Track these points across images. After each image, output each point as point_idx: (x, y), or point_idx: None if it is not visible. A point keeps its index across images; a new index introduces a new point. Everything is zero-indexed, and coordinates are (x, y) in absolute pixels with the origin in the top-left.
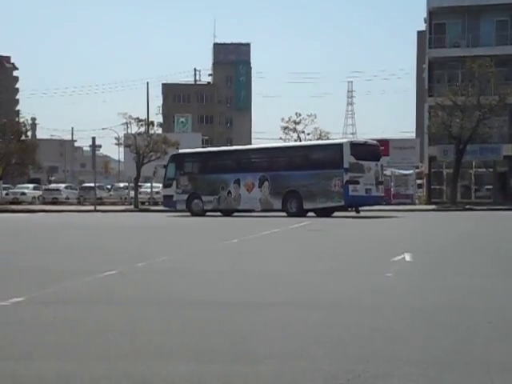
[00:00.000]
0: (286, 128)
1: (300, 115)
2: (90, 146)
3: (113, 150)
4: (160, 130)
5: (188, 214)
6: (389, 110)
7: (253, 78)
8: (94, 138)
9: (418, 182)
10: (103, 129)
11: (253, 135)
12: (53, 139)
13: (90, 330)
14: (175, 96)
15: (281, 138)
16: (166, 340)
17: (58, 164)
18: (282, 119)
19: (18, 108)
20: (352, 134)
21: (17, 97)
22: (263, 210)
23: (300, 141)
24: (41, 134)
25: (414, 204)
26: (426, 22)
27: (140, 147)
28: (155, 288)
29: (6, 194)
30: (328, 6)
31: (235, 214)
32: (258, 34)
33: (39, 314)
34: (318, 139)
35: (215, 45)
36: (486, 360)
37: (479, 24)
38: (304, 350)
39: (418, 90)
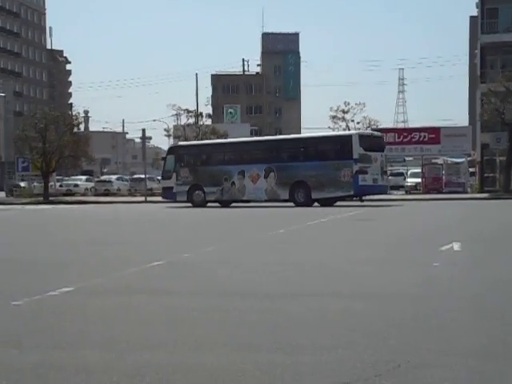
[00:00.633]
0: (334, 117)
1: (349, 104)
2: (141, 138)
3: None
4: (209, 121)
5: (187, 205)
6: (441, 98)
7: (301, 68)
8: (144, 130)
9: (471, 170)
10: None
11: (302, 125)
12: (105, 131)
13: (134, 319)
14: (224, 87)
15: (329, 127)
16: (208, 330)
17: (111, 156)
18: (331, 108)
19: (70, 101)
20: (403, 122)
21: (69, 90)
22: (269, 200)
23: (349, 130)
24: (93, 127)
25: (466, 192)
26: (478, 7)
27: (189, 138)
28: (199, 278)
29: (60, 186)
30: None
31: (241, 204)
32: (307, 23)
33: (86, 304)
34: (367, 128)
35: (264, 35)
36: None
37: None
38: (345, 340)
39: (470, 76)
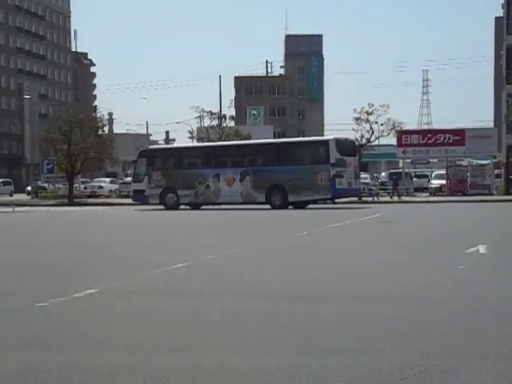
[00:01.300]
0: (358, 119)
1: (372, 106)
2: (165, 140)
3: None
4: (232, 123)
5: (161, 207)
6: (466, 99)
7: (324, 69)
8: (167, 132)
9: (496, 171)
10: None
11: (325, 127)
12: (129, 133)
13: (158, 321)
14: (247, 88)
15: (353, 129)
16: (232, 332)
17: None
18: (355, 110)
19: (95, 103)
20: (427, 123)
21: (94, 92)
22: (244, 203)
23: (373, 131)
24: (117, 129)
25: (492, 194)
26: (503, 8)
27: (213, 140)
28: (223, 280)
29: (85, 188)
30: None
31: (213, 207)
32: (330, 25)
33: (111, 306)
34: (391, 129)
35: (287, 36)
36: None
37: None
38: (371, 343)
39: (496, 77)
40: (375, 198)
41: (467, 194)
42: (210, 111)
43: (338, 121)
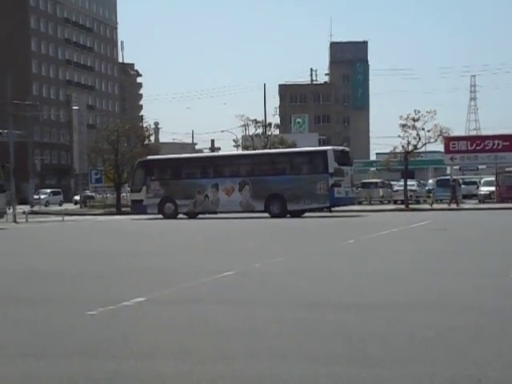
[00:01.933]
0: (404, 125)
1: (419, 112)
2: (210, 149)
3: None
4: (277, 131)
5: (157, 216)
6: None
7: (370, 76)
8: (213, 141)
9: None
10: (222, 131)
11: (370, 134)
12: (174, 142)
13: (207, 330)
14: (292, 96)
15: (399, 136)
16: (281, 341)
17: None
18: (401, 117)
19: (141, 113)
20: (475, 129)
21: (140, 102)
22: (243, 212)
23: (419, 138)
24: (163, 138)
25: None
26: None
27: (258, 148)
28: (270, 289)
29: None
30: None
31: (213, 216)
32: (375, 31)
33: (159, 314)
34: (438, 136)
35: (332, 44)
36: None
37: None
38: (422, 353)
39: None
40: (431, 206)
41: None
42: (255, 119)
43: (384, 127)
